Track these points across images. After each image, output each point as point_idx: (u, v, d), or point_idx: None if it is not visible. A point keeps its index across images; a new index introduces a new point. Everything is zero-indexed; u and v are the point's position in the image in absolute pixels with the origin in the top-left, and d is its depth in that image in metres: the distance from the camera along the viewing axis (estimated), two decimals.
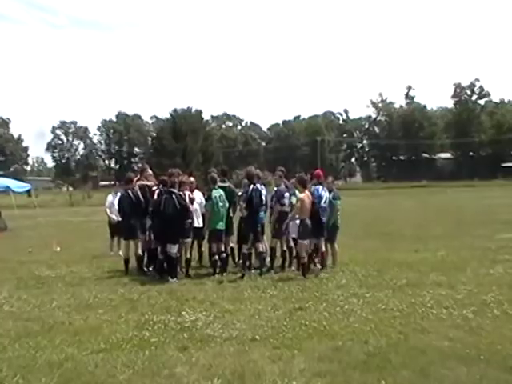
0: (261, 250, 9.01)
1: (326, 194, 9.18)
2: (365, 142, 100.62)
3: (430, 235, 14.02)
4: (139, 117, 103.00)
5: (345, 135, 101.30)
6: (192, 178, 9.79)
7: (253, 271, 8.94)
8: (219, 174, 9.45)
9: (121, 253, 11.79)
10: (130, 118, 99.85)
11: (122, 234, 9.61)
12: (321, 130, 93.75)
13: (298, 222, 9.01)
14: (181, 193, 8.85)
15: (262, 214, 9.13)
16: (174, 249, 8.71)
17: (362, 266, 9.49)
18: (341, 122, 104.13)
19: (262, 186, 9.34)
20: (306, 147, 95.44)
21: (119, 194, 9.95)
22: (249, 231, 8.97)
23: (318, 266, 8.90)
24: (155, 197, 9.08)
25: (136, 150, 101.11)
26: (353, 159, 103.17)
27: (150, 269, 9.26)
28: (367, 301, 6.88)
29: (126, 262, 9.27)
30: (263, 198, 9.12)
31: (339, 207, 9.57)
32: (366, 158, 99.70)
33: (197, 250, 9.90)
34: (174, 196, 8.72)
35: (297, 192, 9.22)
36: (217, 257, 8.96)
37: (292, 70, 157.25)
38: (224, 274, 8.92)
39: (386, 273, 8.78)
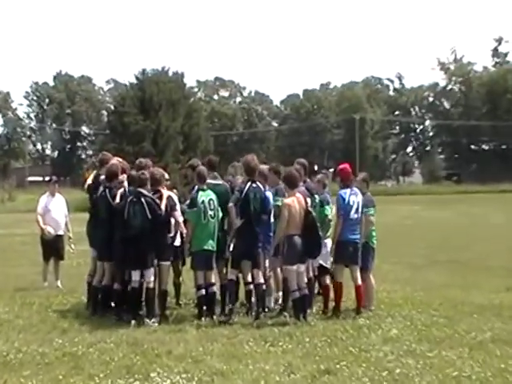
0: (259, 280, 9.06)
1: (357, 200, 9.34)
2: (428, 122, 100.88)
3: None
4: (89, 80, 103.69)
5: (397, 112, 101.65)
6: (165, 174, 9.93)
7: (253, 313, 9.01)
8: (208, 167, 9.57)
9: (59, 284, 11.89)
10: (74, 82, 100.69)
11: (103, 256, 9.64)
12: (361, 103, 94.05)
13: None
14: (153, 196, 8.95)
15: (267, 225, 9.23)
16: (149, 276, 8.89)
17: (422, 309, 9.53)
18: (391, 92, 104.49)
19: (269, 192, 9.45)
20: (339, 129, 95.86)
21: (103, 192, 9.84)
22: (242, 251, 9.01)
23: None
24: (117, 200, 9.21)
25: (84, 129, 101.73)
26: (409, 148, 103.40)
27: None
28: (430, 363, 6.89)
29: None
30: (268, 204, 9.20)
31: (372, 218, 9.63)
32: (429, 147, 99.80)
33: (172, 280, 10.01)
34: (144, 200, 8.84)
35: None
36: (203, 291, 9.04)
37: (315, 16, 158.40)
38: (214, 317, 8.98)
39: (460, 321, 8.82)
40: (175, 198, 9.52)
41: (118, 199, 9.24)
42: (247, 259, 9.02)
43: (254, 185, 9.07)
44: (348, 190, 9.36)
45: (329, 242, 9.56)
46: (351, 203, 9.27)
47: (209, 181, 9.34)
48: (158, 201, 8.94)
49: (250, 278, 9.05)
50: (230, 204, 8.95)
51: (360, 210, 9.37)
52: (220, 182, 9.57)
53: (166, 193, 9.20)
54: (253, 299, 9.26)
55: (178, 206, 9.33)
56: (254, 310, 9.04)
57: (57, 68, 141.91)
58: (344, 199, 9.26)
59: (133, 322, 8.71)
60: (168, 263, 9.25)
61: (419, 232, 23.51)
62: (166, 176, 9.82)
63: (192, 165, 9.99)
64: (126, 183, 9.44)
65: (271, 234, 9.43)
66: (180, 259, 9.90)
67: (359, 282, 9.32)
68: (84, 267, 12.63)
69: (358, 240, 9.36)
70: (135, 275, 8.92)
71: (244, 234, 8.97)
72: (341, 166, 9.80)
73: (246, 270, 9.09)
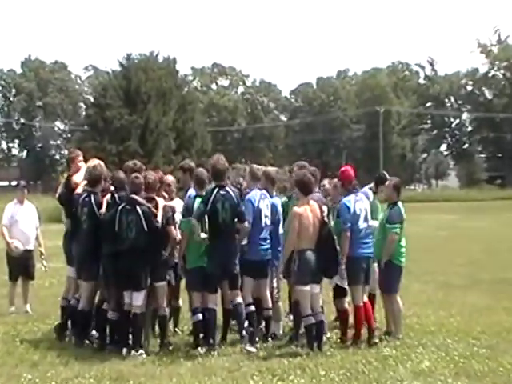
0: (237, 300, 9.07)
1: (364, 207, 9.38)
2: (466, 115, 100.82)
3: None
4: (64, 67, 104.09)
5: (429, 104, 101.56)
6: (171, 177, 10.02)
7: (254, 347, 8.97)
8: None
9: (29, 309, 11.91)
10: (46, 69, 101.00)
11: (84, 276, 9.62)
12: (385, 94, 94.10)
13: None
14: (149, 204, 8.99)
15: (261, 242, 9.31)
16: (138, 299, 8.91)
17: (459, 337, 9.54)
18: (422, 80, 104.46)
19: (277, 198, 9.48)
20: (359, 124, 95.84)
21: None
22: (214, 271, 9.00)
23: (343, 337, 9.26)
24: (103, 209, 9.25)
25: (58, 124, 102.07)
26: (443, 147, 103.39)
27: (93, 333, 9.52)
28: None
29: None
30: (265, 217, 9.28)
31: (396, 237, 9.58)
32: (467, 145, 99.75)
33: (168, 303, 9.95)
34: (139, 209, 8.87)
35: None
36: (200, 316, 9.07)
37: None
38: (213, 346, 8.98)
39: (505, 352, 8.80)
40: (178, 206, 9.57)
41: (104, 208, 9.26)
42: (223, 279, 9.11)
43: (221, 191, 9.04)
44: (352, 197, 9.40)
45: None
46: (358, 212, 9.31)
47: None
48: (154, 210, 8.99)
49: (239, 298, 9.09)
50: (193, 221, 8.92)
51: (369, 217, 9.44)
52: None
53: (161, 202, 9.24)
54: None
55: (177, 216, 9.39)
56: (240, 333, 9.04)
57: (25, 53, 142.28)
58: (349, 208, 9.28)
59: (124, 350, 8.77)
60: (164, 283, 9.26)
61: (456, 245, 23.43)
62: (171, 180, 9.88)
63: (182, 166, 10.01)
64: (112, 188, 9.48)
65: (280, 249, 9.47)
66: (179, 278, 9.90)
67: (359, 301, 9.28)
68: (58, 288, 12.67)
69: (371, 255, 9.39)
70: (127, 297, 8.96)
71: (214, 251, 8.98)
72: (343, 169, 9.87)
73: (225, 291, 9.23)
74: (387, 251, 9.48)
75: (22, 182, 13.55)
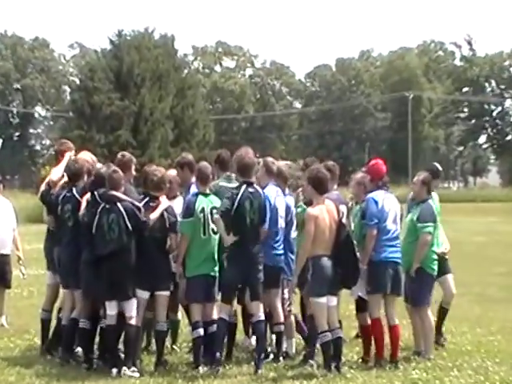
0: (259, 316, 9.12)
1: (394, 207, 9.40)
2: (509, 102, 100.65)
3: None
4: (46, 44, 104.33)
5: (466, 89, 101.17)
6: (173, 172, 9.97)
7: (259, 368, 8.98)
8: (214, 164, 9.62)
9: (4, 322, 11.93)
10: (25, 47, 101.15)
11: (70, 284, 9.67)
12: (415, 77, 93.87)
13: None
14: (136, 203, 9.02)
15: (276, 246, 9.36)
16: (130, 309, 8.94)
17: (500, 359, 9.49)
18: (458, 61, 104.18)
19: (290, 197, 9.50)
20: (384, 113, 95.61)
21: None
22: (233, 280, 9.07)
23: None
24: (81, 210, 9.28)
25: (39, 110, 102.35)
26: (482, 138, 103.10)
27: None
28: None
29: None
30: (280, 218, 9.33)
31: (429, 238, 9.55)
32: (510, 137, 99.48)
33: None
34: (120, 206, 8.91)
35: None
36: (201, 331, 9.09)
37: None
38: (218, 366, 8.99)
39: None
40: (178, 206, 9.59)
41: (82, 208, 9.29)
42: (243, 289, 9.15)
43: (250, 189, 9.10)
44: (381, 192, 9.42)
45: None
46: (386, 209, 9.33)
47: (222, 183, 9.45)
48: (138, 204, 9.00)
49: (261, 314, 9.13)
50: (216, 216, 8.98)
51: (399, 220, 9.46)
52: (231, 184, 9.59)
53: (165, 202, 9.26)
54: (252, 341, 9.43)
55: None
56: (255, 356, 9.09)
57: (0, 28, 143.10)
58: (377, 203, 9.28)
59: (114, 370, 8.77)
60: (167, 293, 9.29)
61: (496, 252, 23.39)
62: (172, 176, 9.85)
63: (179, 162, 9.99)
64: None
65: (291, 256, 9.52)
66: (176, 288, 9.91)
67: (395, 320, 9.34)
68: (38, 298, 12.70)
69: (399, 260, 9.36)
70: (110, 308, 8.97)
71: (237, 256, 9.02)
72: (373, 162, 9.89)
73: (247, 302, 9.26)
74: (419, 255, 9.45)
75: None
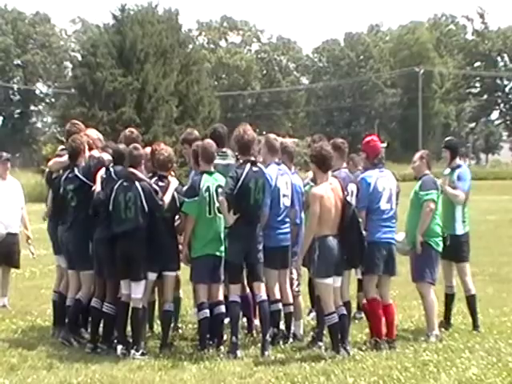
0: (262, 296, 9.17)
1: (388, 185, 9.40)
2: None
3: None
4: (47, 19, 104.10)
5: (478, 64, 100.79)
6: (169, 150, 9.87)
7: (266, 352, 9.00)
8: (210, 139, 9.60)
9: (6, 303, 11.95)
10: (26, 22, 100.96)
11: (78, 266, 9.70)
12: (426, 52, 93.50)
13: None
14: (151, 183, 9.05)
15: (280, 226, 9.37)
16: (137, 291, 8.99)
17: (508, 337, 9.51)
18: (470, 35, 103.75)
19: (290, 173, 9.52)
20: (394, 88, 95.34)
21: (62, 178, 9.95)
22: (236, 259, 9.10)
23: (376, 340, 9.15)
24: (97, 187, 9.28)
25: (40, 86, 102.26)
26: (495, 114, 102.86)
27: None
28: None
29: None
30: (283, 197, 9.34)
31: (433, 206, 9.52)
32: None
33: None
34: (138, 186, 8.91)
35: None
36: (207, 312, 9.11)
37: None
38: (221, 347, 9.08)
39: None
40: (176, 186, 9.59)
41: (98, 185, 9.28)
42: (239, 266, 9.20)
43: (254, 168, 9.09)
44: (375, 172, 9.43)
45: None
46: (380, 189, 9.33)
47: (216, 161, 9.41)
48: (155, 187, 9.02)
49: (263, 294, 9.17)
50: (221, 197, 8.95)
51: (394, 199, 9.47)
52: (228, 161, 9.62)
53: (174, 181, 9.30)
54: (256, 322, 9.56)
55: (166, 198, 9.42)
56: (263, 337, 9.08)
57: (0, 3, 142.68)
58: (369, 184, 9.30)
59: (119, 348, 8.88)
60: (175, 274, 9.40)
61: (510, 232, 23.39)
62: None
63: (186, 139, 10.04)
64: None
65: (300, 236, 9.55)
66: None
67: (389, 300, 9.42)
68: (41, 279, 12.76)
69: (392, 241, 9.40)
70: (125, 287, 9.05)
71: (239, 236, 9.03)
72: (368, 139, 9.89)
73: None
74: (422, 224, 9.47)
75: (5, 154, 12.77)
